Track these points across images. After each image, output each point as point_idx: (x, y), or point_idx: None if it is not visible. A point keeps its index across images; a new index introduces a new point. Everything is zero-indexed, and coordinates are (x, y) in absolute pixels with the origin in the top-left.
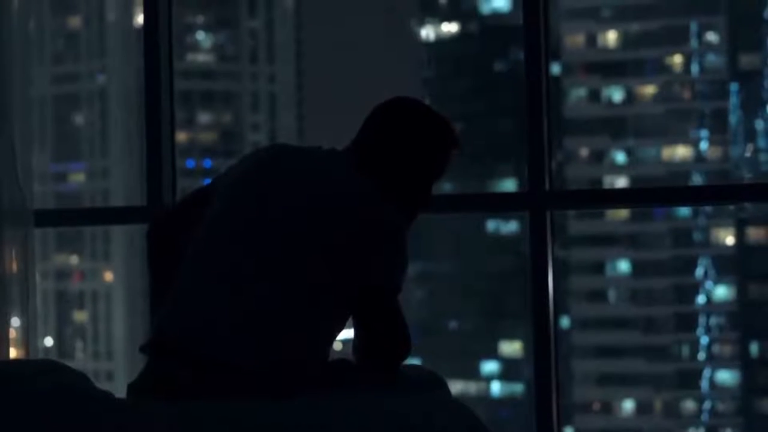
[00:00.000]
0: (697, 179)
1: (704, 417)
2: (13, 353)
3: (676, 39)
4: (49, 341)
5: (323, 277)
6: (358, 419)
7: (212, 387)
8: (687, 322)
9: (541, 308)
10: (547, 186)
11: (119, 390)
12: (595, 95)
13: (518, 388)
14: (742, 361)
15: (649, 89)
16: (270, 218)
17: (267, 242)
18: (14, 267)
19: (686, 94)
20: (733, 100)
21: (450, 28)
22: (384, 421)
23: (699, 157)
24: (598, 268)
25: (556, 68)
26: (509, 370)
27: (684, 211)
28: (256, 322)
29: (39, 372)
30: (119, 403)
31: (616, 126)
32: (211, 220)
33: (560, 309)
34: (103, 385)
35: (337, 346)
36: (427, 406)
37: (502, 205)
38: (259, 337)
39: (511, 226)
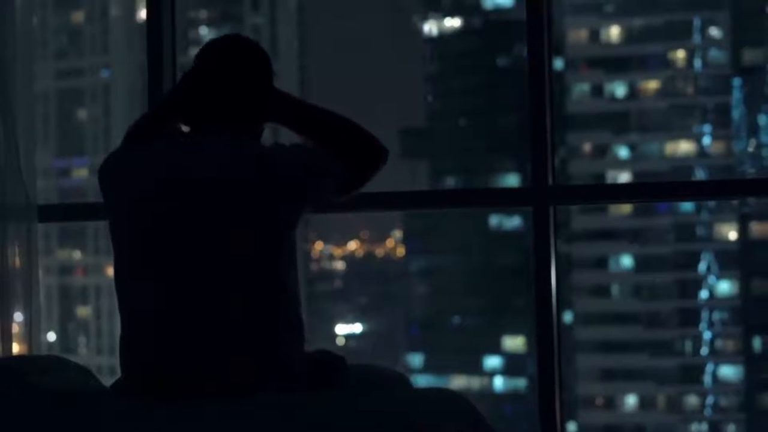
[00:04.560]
0: (700, 174)
1: (707, 412)
2: (16, 348)
3: (680, 34)
4: (52, 336)
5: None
6: (357, 417)
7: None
8: (690, 317)
9: (545, 303)
10: (550, 181)
11: None
12: (598, 90)
13: (521, 383)
14: (745, 357)
15: (652, 84)
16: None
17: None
18: (17, 262)
19: (689, 90)
20: (736, 96)
21: (453, 23)
22: (384, 417)
23: (702, 153)
24: (602, 263)
25: (559, 63)
26: (512, 365)
27: (687, 206)
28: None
29: (43, 369)
30: (120, 403)
31: (619, 121)
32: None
33: (563, 304)
34: (105, 380)
35: (340, 341)
36: (429, 400)
37: (506, 201)
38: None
39: (514, 222)
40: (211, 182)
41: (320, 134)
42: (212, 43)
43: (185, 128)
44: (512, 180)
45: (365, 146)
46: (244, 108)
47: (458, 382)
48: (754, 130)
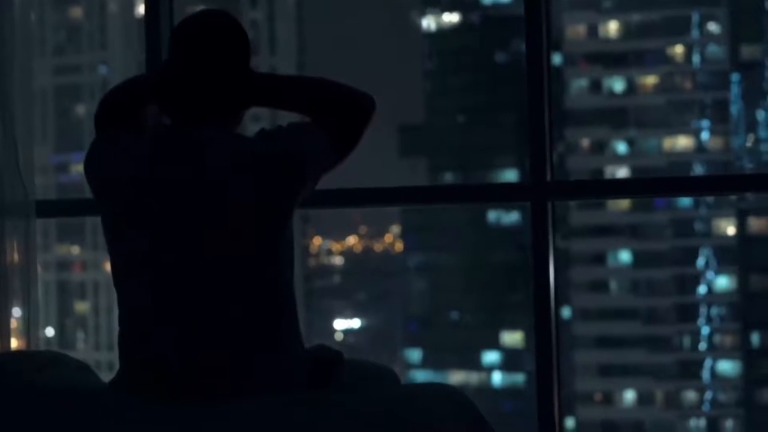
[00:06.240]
0: (698, 169)
1: (705, 407)
2: (14, 344)
3: (678, 29)
4: (50, 332)
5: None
6: (356, 415)
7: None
8: (688, 313)
9: (543, 299)
10: (548, 177)
11: None
12: (596, 86)
13: (519, 378)
14: (743, 352)
15: (651, 80)
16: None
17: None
18: (15, 258)
19: (687, 85)
20: (734, 91)
21: (451, 18)
22: (382, 414)
23: (700, 148)
24: (600, 258)
25: (557, 59)
26: (510, 361)
27: (685, 201)
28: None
29: (41, 365)
30: (119, 400)
31: (618, 117)
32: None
33: (562, 300)
34: (104, 375)
35: (338, 337)
36: (426, 395)
37: (504, 196)
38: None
39: (512, 217)
40: (205, 181)
41: (303, 108)
42: (185, 27)
43: (156, 110)
44: (510, 175)
45: (351, 106)
46: (223, 100)
47: (456, 377)
48: (752, 125)
